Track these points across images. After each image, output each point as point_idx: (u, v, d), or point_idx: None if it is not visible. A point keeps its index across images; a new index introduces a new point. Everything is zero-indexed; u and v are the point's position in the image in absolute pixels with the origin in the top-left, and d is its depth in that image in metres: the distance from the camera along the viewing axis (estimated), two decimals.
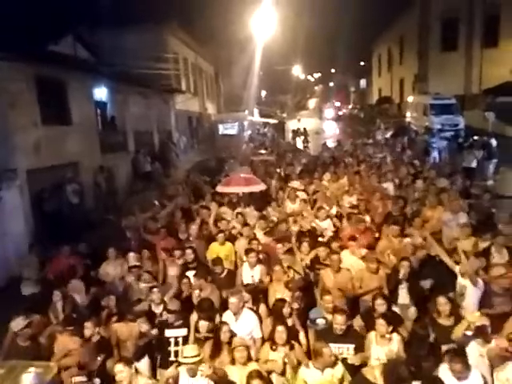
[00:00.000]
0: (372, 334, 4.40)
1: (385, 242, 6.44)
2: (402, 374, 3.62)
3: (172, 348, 4.78)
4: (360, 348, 4.37)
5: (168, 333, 4.83)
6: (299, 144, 22.77)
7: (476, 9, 26.66)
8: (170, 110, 20.45)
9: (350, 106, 49.80)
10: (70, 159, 10.99)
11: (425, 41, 28.53)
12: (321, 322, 4.79)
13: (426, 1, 27.69)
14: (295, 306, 4.90)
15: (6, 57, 8.56)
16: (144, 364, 4.72)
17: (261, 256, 6.14)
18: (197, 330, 4.66)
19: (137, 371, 4.06)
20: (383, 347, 4.27)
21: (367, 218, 7.44)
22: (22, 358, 4.29)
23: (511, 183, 11.43)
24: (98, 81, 13.28)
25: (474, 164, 12.59)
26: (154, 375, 4.69)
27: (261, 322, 4.93)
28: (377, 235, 6.92)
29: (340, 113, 45.01)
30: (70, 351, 4.43)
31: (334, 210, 7.98)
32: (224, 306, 5.13)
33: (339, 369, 4.04)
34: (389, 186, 9.24)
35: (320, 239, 7.01)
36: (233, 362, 4.18)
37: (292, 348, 4.32)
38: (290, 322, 4.67)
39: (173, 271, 6.19)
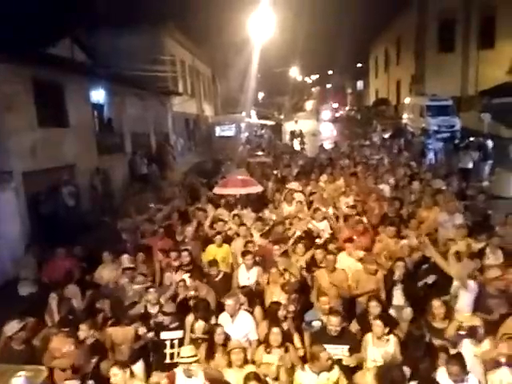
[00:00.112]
0: (369, 336, 4.40)
1: (381, 244, 6.45)
2: (395, 377, 3.62)
3: (168, 350, 4.78)
4: (355, 349, 4.38)
5: (164, 335, 4.83)
6: (296, 146, 22.81)
7: (472, 10, 26.80)
8: (167, 111, 20.44)
9: (347, 108, 49.93)
10: (66, 161, 10.96)
11: (421, 42, 28.64)
12: (317, 324, 4.79)
13: (423, 2, 27.81)
14: (291, 308, 4.90)
15: (2, 59, 8.54)
16: (139, 367, 4.71)
17: (257, 258, 6.14)
18: (192, 332, 4.66)
19: (132, 374, 4.06)
20: (379, 349, 4.28)
21: (364, 220, 7.46)
22: (15, 362, 4.27)
23: (507, 184, 11.46)
24: (95, 83, 13.27)
25: (470, 165, 12.65)
26: (149, 378, 4.68)
27: (256, 324, 4.94)
28: (373, 236, 6.94)
29: (337, 114, 45.13)
30: (65, 353, 4.42)
31: (330, 211, 7.98)
32: (220, 308, 5.13)
33: (335, 373, 4.03)
34: (385, 188, 9.26)
35: (317, 241, 7.02)
36: (229, 364, 4.18)
37: (287, 350, 4.32)
38: (285, 325, 4.67)
39: (169, 273, 6.18)
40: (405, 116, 25.31)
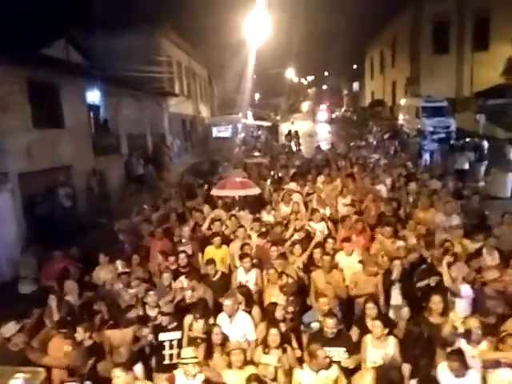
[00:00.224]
0: (368, 337, 4.41)
1: (378, 244, 6.47)
2: (393, 377, 3.64)
3: (167, 351, 4.77)
4: (352, 351, 4.38)
5: (162, 336, 4.82)
6: (293, 147, 22.82)
7: (466, 12, 26.98)
8: (163, 112, 20.41)
9: (343, 109, 50.02)
10: (62, 162, 10.91)
11: (416, 44, 28.81)
12: (315, 325, 4.79)
13: (418, 4, 27.97)
14: (290, 309, 4.90)
15: None
16: (138, 370, 4.69)
17: (255, 260, 6.14)
18: (191, 331, 4.65)
19: (135, 377, 4.04)
20: (379, 350, 4.28)
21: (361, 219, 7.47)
22: (10, 364, 4.24)
23: (503, 184, 11.54)
24: (91, 84, 13.22)
25: (465, 166, 12.72)
26: (150, 379, 4.67)
27: (255, 324, 4.93)
28: (370, 237, 6.95)
29: (333, 115, 45.21)
30: (63, 354, 4.40)
31: (327, 211, 7.99)
32: (218, 308, 5.12)
33: (334, 370, 4.04)
34: (382, 188, 9.28)
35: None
36: (229, 365, 4.18)
37: (285, 351, 4.32)
38: (283, 326, 4.67)
39: (167, 274, 6.15)
40: (400, 117, 25.43)
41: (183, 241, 7.07)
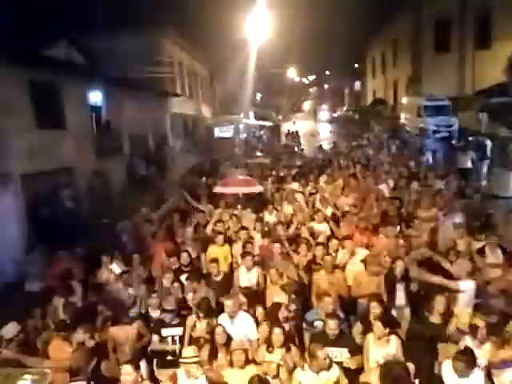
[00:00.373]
0: (370, 336, 4.41)
1: (381, 243, 6.46)
2: (399, 374, 3.63)
3: (169, 347, 4.80)
4: (354, 352, 4.38)
5: (165, 332, 4.84)
6: (295, 146, 22.78)
7: (468, 11, 26.87)
8: (165, 113, 20.42)
9: (345, 108, 49.93)
10: (64, 163, 10.93)
11: (418, 43, 28.72)
12: (319, 324, 4.78)
13: (419, 3, 27.90)
14: (292, 307, 4.91)
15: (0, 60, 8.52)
16: (142, 367, 4.70)
17: (257, 259, 6.15)
18: (193, 331, 4.67)
19: (142, 377, 4.05)
20: (381, 349, 4.28)
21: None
22: (11, 366, 4.25)
23: (506, 183, 11.50)
24: (93, 84, 13.24)
25: (468, 165, 12.67)
26: (151, 378, 4.68)
27: (258, 324, 4.94)
28: (373, 236, 6.94)
29: (335, 115, 45.17)
30: (63, 355, 4.41)
31: (329, 212, 7.98)
32: (220, 308, 5.13)
33: (334, 372, 4.04)
34: (384, 188, 9.27)
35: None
36: (231, 364, 4.18)
37: (288, 350, 4.32)
38: (286, 325, 4.67)
39: (169, 275, 6.15)
40: (402, 116, 25.36)
41: (186, 241, 7.08)
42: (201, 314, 4.73)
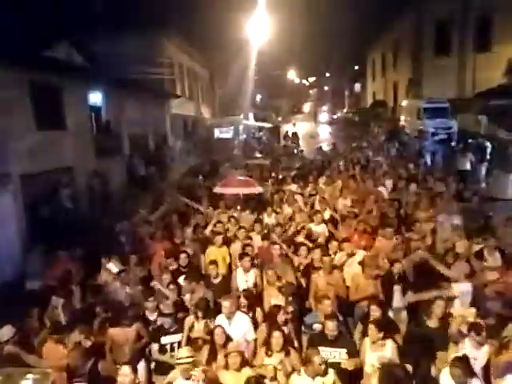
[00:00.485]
0: (366, 340, 4.42)
1: (379, 245, 6.47)
2: (398, 375, 3.64)
3: (168, 354, 4.81)
4: (352, 353, 4.38)
5: (164, 340, 4.84)
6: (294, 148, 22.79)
7: (469, 14, 26.93)
8: (165, 114, 20.44)
9: (345, 110, 50.00)
10: (64, 164, 10.93)
11: (418, 45, 28.76)
12: (318, 327, 4.78)
13: (420, 6, 27.94)
14: (290, 309, 4.91)
15: (0, 61, 8.52)
16: (141, 368, 4.71)
17: (255, 261, 6.15)
18: (191, 332, 4.67)
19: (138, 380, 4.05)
20: (376, 353, 4.29)
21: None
22: (12, 362, 4.25)
23: (505, 186, 11.51)
24: (93, 85, 13.25)
25: (467, 167, 12.69)
26: (150, 379, 4.69)
27: (257, 326, 4.94)
28: (371, 238, 6.95)
29: (335, 116, 45.24)
30: (60, 356, 4.41)
31: (327, 214, 7.99)
32: (218, 309, 5.13)
33: (330, 377, 4.03)
34: (383, 190, 9.28)
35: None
36: (226, 366, 4.18)
37: (287, 354, 4.31)
38: (285, 329, 4.67)
39: (166, 275, 6.16)
40: (402, 118, 25.39)
41: (186, 242, 7.08)
42: (199, 314, 4.73)
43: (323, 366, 3.99)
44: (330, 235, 7.24)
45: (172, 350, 4.81)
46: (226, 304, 4.83)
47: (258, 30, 23.98)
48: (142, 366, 4.73)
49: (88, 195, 11.75)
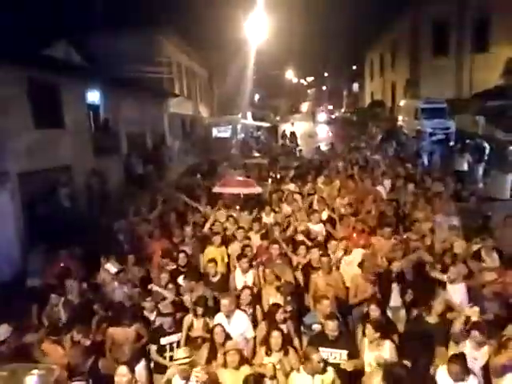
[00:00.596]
0: (365, 340, 4.43)
1: (378, 244, 6.48)
2: (400, 373, 3.65)
3: (167, 354, 4.81)
4: (353, 354, 4.38)
5: (163, 340, 4.85)
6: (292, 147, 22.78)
7: (466, 14, 27.02)
8: (163, 112, 20.41)
9: (343, 110, 50.10)
10: (62, 162, 10.90)
11: (416, 46, 28.83)
12: (317, 327, 4.79)
13: (418, 6, 28.01)
14: (288, 308, 4.91)
15: None
16: (141, 367, 4.71)
17: (254, 263, 6.15)
18: (191, 331, 4.67)
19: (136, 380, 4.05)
20: (373, 353, 4.30)
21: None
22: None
23: (502, 186, 11.56)
24: (91, 84, 13.22)
25: (465, 167, 12.73)
26: (151, 379, 4.69)
27: (256, 325, 4.94)
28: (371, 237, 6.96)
29: (333, 116, 45.27)
30: (58, 355, 4.41)
31: (325, 214, 7.99)
32: (217, 308, 5.14)
33: (329, 375, 4.04)
34: (381, 189, 9.30)
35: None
36: (225, 365, 4.18)
37: (286, 353, 4.32)
38: (284, 328, 4.67)
39: (164, 275, 6.15)
40: (400, 118, 25.45)
41: (186, 240, 7.08)
42: (199, 311, 4.73)
43: (322, 364, 4.00)
44: (328, 235, 7.24)
45: (171, 349, 4.81)
46: (224, 302, 4.83)
47: (257, 30, 23.96)
48: (142, 365, 4.74)
49: (86, 194, 11.73)
